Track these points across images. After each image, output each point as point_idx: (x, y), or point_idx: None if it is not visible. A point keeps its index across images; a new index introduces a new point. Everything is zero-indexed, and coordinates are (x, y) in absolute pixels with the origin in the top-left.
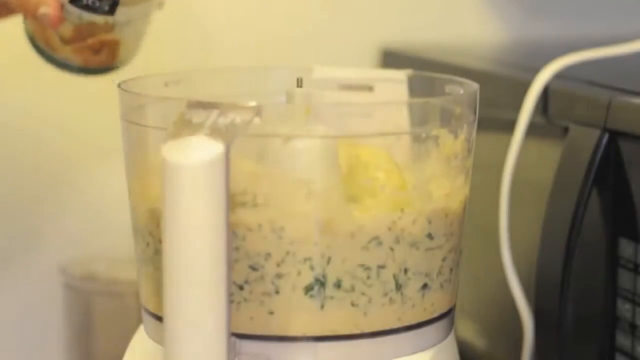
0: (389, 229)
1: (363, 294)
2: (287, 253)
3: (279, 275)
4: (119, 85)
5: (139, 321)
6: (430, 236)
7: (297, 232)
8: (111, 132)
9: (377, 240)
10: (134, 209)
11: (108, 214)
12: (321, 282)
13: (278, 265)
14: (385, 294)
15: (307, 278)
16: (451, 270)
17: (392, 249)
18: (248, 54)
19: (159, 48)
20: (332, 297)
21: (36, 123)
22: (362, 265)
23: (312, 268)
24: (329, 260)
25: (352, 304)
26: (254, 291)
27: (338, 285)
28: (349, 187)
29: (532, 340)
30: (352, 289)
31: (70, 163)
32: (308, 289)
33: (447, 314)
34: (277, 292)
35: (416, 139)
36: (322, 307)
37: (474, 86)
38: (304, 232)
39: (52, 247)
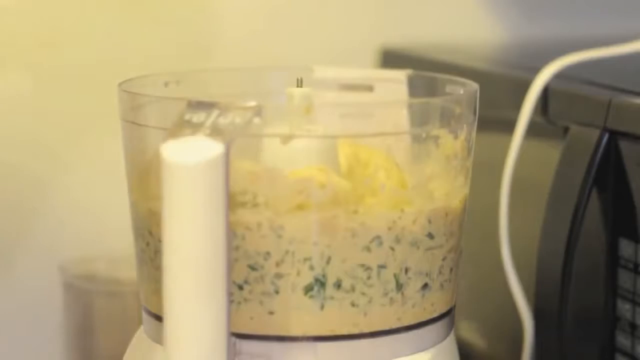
0: (390, 228)
1: (363, 294)
2: (287, 252)
3: (278, 275)
4: (119, 85)
5: (139, 321)
6: (430, 236)
7: (296, 231)
8: (109, 133)
9: (377, 240)
10: (134, 208)
11: (107, 214)
12: (321, 282)
13: (277, 265)
14: (386, 294)
15: (307, 278)
16: (451, 270)
17: (392, 249)
18: (248, 53)
19: (159, 48)
20: (332, 297)
21: (33, 123)
22: (362, 265)
23: (311, 268)
24: (328, 260)
25: (352, 304)
26: (253, 291)
27: (338, 285)
28: (349, 187)
29: (532, 340)
30: (352, 289)
31: (68, 163)
32: (308, 289)
33: (447, 314)
34: (276, 292)
35: (416, 139)
36: (322, 307)
37: (474, 86)
38: (304, 232)
39: (52, 247)
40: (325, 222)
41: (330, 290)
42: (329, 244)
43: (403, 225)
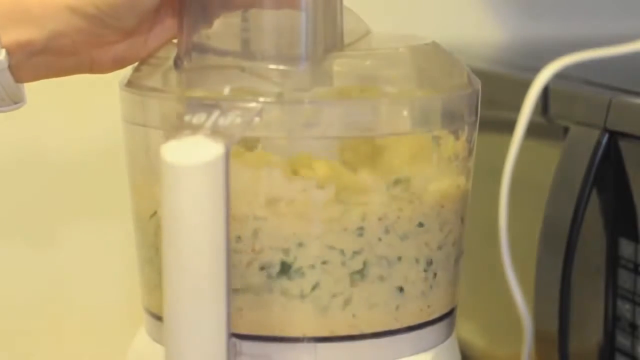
0: (391, 229)
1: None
2: (288, 254)
3: (279, 276)
4: (120, 85)
5: None
6: (432, 236)
7: (297, 232)
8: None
9: (379, 241)
10: (135, 208)
11: None
12: (322, 283)
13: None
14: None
15: (308, 279)
16: (453, 270)
17: (393, 249)
18: None
19: None
20: (332, 298)
21: None
22: (363, 266)
23: (312, 268)
24: (329, 261)
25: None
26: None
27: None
28: (349, 187)
29: (532, 340)
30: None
31: None
32: (308, 290)
33: (448, 315)
34: (277, 292)
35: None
36: (323, 308)
37: (477, 85)
38: (305, 233)
39: None
40: (326, 223)
41: (330, 291)
42: (330, 245)
43: (405, 226)
